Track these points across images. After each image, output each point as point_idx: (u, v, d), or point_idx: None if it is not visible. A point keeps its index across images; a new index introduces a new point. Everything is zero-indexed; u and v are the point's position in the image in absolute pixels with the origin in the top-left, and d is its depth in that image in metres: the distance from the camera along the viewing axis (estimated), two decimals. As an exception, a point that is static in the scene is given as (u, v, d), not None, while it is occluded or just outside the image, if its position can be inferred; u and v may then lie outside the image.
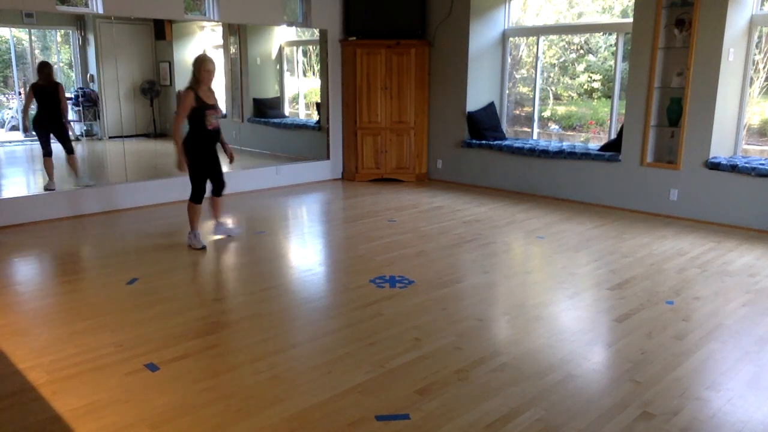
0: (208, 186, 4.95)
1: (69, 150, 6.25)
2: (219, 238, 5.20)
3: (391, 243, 5.10)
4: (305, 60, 8.64)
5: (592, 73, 7.28)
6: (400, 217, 6.02)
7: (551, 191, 6.88)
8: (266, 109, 8.24)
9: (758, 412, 2.57)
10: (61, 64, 7.10)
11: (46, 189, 6.16)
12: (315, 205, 6.80)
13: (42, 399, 2.63)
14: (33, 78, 6.28)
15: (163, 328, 3.37)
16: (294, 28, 7.93)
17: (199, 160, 4.76)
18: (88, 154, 7.51)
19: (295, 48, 8.60)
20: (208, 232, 5.28)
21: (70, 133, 6.82)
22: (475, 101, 7.52)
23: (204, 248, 4.89)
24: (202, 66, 4.61)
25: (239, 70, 7.85)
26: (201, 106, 4.62)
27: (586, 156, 6.51)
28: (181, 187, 6.70)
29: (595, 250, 4.93)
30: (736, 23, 5.52)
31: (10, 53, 6.64)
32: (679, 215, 5.95)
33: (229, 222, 5.66)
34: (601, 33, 7.07)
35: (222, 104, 8.20)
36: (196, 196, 4.86)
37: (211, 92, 4.77)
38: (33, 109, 6.19)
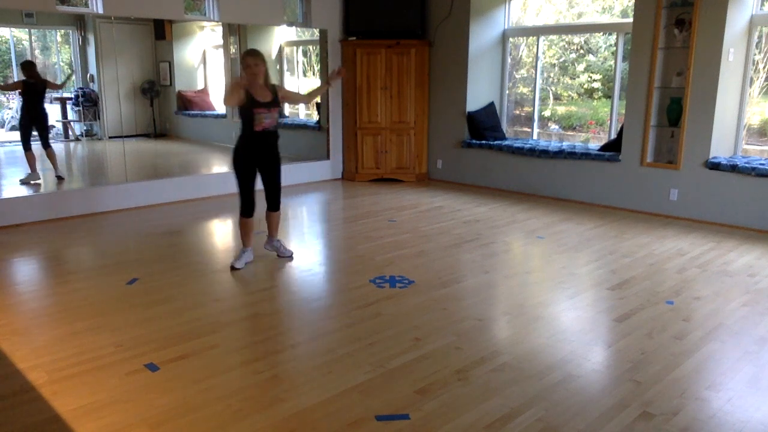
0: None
1: (45, 145, 6.46)
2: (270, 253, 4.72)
3: (391, 243, 5.10)
4: (305, 60, 8.64)
5: (592, 73, 7.28)
6: (400, 217, 6.02)
7: (551, 191, 6.88)
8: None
9: (758, 412, 2.57)
10: (62, 64, 7.10)
11: (28, 181, 6.26)
12: (315, 205, 6.80)
13: (42, 399, 2.63)
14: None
15: (163, 328, 3.37)
16: (294, 28, 7.93)
17: (240, 166, 4.32)
18: (88, 154, 7.52)
19: (295, 48, 8.61)
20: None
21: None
22: (475, 101, 7.51)
23: (237, 269, 4.38)
24: (242, 60, 4.18)
25: (239, 70, 7.85)
26: (250, 104, 4.14)
27: (586, 156, 6.51)
28: (180, 187, 6.71)
29: (595, 250, 4.93)
30: (736, 23, 5.52)
31: (10, 53, 6.64)
32: (679, 215, 5.95)
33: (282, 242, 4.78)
34: (601, 33, 7.07)
35: (221, 104, 8.21)
36: (242, 208, 4.42)
37: (268, 89, 4.26)
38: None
